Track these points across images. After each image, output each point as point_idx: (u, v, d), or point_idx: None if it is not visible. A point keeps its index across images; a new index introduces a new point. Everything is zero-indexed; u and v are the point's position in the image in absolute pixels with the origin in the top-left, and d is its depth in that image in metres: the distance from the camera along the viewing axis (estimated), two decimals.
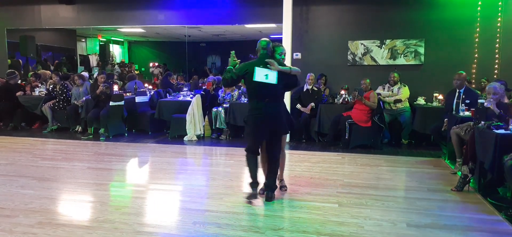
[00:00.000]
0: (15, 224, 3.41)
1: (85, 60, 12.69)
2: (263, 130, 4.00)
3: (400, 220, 3.59)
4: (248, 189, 4.11)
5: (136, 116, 8.30)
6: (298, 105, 7.46)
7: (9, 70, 9.10)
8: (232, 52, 4.12)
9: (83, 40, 13.11)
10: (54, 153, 6.49)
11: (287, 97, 7.18)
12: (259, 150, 4.11)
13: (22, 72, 10.44)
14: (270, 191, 4.10)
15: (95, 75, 9.72)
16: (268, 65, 3.93)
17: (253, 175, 4.05)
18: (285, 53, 4.23)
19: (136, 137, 7.87)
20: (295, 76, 4.12)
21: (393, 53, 7.93)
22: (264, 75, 3.92)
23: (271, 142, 4.07)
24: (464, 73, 5.98)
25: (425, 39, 7.78)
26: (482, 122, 4.40)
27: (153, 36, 13.92)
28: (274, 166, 4.10)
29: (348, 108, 7.04)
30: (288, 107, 7.04)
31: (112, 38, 14.21)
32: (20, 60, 10.81)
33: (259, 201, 4.12)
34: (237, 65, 4.07)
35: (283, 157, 4.35)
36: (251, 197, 4.05)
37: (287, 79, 4.05)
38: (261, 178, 4.18)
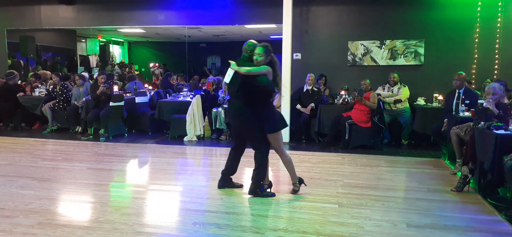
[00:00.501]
0: (15, 225, 3.41)
1: (85, 61, 12.69)
2: (231, 125, 4.42)
3: (400, 220, 3.59)
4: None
5: (136, 116, 8.30)
6: (298, 106, 7.46)
7: (8, 71, 9.11)
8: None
9: (83, 40, 13.12)
10: (54, 153, 6.49)
11: (287, 97, 7.20)
12: (240, 146, 4.35)
13: (22, 72, 10.44)
14: (251, 187, 4.22)
15: (95, 76, 9.73)
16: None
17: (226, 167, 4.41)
18: (261, 54, 4.03)
19: (136, 137, 7.87)
20: (254, 76, 3.98)
21: (393, 53, 7.93)
22: (227, 75, 4.15)
23: (245, 138, 4.29)
24: (464, 74, 5.98)
25: (425, 40, 7.78)
26: (482, 122, 4.40)
27: (153, 36, 13.92)
28: (254, 160, 4.18)
29: (348, 108, 7.04)
30: (287, 107, 7.08)
31: (112, 39, 14.21)
32: (21, 61, 10.80)
33: (259, 202, 4.12)
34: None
35: (286, 160, 4.27)
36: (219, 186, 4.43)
37: (246, 80, 3.99)
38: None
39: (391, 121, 7.29)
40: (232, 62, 4.08)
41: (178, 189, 4.66)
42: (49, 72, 10.00)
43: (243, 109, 4.07)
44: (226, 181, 4.44)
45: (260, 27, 10.15)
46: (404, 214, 3.75)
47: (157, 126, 8.30)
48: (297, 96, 7.52)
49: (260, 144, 4.14)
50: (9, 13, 9.90)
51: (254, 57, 4.08)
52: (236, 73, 4.03)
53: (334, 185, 4.68)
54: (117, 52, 14.80)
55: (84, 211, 3.87)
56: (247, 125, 4.12)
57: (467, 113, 5.44)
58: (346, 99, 7.41)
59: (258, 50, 4.07)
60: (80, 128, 8.20)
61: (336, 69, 8.09)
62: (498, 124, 4.17)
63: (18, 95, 8.58)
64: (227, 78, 4.11)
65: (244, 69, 4.00)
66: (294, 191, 4.31)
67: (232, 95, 4.28)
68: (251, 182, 4.21)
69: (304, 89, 7.51)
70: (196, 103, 7.48)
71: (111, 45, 14.11)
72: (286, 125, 4.33)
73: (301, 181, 4.32)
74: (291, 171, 4.32)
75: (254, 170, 4.19)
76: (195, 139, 7.46)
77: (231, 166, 4.40)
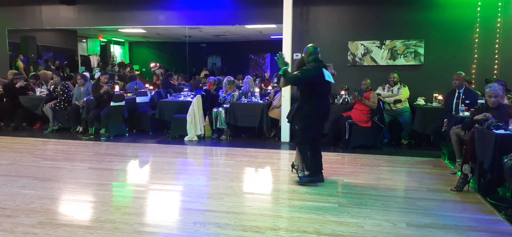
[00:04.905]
0: (16, 224, 3.43)
1: (86, 61, 12.72)
2: (323, 122, 4.81)
3: (400, 220, 3.60)
4: (246, 189, 4.11)
5: (137, 116, 8.32)
6: None
7: (15, 71, 9.19)
8: (281, 53, 4.63)
9: (84, 40, 13.15)
10: (55, 153, 6.51)
11: (287, 97, 7.22)
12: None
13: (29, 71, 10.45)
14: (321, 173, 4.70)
15: (96, 76, 9.75)
16: (327, 68, 4.64)
17: (308, 164, 4.70)
18: None
19: (137, 137, 7.88)
20: None
21: (393, 53, 7.94)
22: (328, 75, 4.59)
23: (320, 130, 4.86)
24: (463, 74, 5.99)
25: (425, 40, 7.78)
26: (489, 117, 4.39)
27: (154, 36, 13.96)
28: (319, 152, 4.78)
29: (348, 108, 7.06)
30: (287, 107, 7.10)
31: (113, 39, 14.24)
32: (22, 64, 10.77)
33: (259, 201, 4.14)
34: (288, 66, 4.70)
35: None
36: (315, 182, 4.64)
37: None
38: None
39: (391, 120, 7.30)
40: (330, 64, 4.69)
41: (179, 188, 4.67)
42: (50, 73, 10.02)
43: None
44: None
45: (260, 27, 10.17)
46: (404, 214, 3.76)
47: (158, 125, 8.32)
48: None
49: None
50: (10, 13, 9.93)
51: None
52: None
53: (334, 184, 4.70)
54: (118, 52, 14.83)
55: (85, 211, 3.88)
56: None
57: (467, 113, 5.45)
58: (346, 99, 7.42)
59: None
60: (81, 128, 8.22)
61: (336, 69, 8.03)
62: (498, 123, 4.18)
63: (17, 85, 8.64)
64: (332, 78, 4.66)
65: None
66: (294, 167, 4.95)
67: (328, 93, 4.83)
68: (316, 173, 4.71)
69: None
70: (196, 103, 7.50)
71: (112, 45, 14.14)
72: None
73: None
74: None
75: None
76: (195, 138, 7.47)
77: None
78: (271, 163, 5.82)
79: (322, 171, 4.73)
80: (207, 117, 7.87)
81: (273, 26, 8.97)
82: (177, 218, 3.71)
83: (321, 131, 4.96)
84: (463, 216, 3.74)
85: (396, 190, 4.61)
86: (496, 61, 7.47)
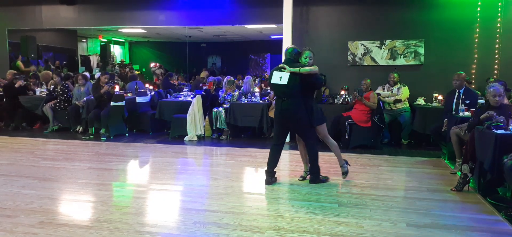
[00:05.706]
0: (16, 224, 3.43)
1: (86, 61, 12.72)
2: (281, 124, 4.66)
3: (400, 220, 3.60)
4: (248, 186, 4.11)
5: (137, 116, 8.32)
6: None
7: (15, 71, 9.20)
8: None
9: (84, 40, 13.15)
10: (55, 153, 6.51)
11: None
12: (282, 142, 4.72)
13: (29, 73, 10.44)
14: (312, 175, 4.70)
15: (96, 76, 9.75)
16: (282, 69, 4.44)
17: (269, 163, 4.64)
18: (311, 57, 4.60)
19: (137, 137, 7.88)
20: (313, 75, 4.46)
21: (393, 53, 7.94)
22: (279, 77, 4.44)
23: (298, 134, 4.75)
24: (463, 74, 5.99)
25: (425, 40, 7.78)
26: (490, 117, 4.39)
27: (154, 36, 13.96)
28: (309, 153, 4.66)
29: (348, 108, 7.06)
30: None
31: (113, 39, 14.24)
32: (22, 64, 10.77)
33: (259, 201, 4.14)
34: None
35: (332, 145, 4.79)
36: (267, 183, 4.62)
37: (303, 79, 4.42)
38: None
39: (391, 120, 7.30)
40: (286, 66, 4.41)
41: (179, 188, 4.67)
42: (50, 73, 10.02)
43: (299, 108, 4.46)
44: (273, 176, 4.71)
45: (260, 27, 10.17)
46: (404, 214, 3.76)
47: (158, 125, 8.32)
48: None
49: (313, 138, 4.65)
50: (10, 13, 9.93)
51: (305, 60, 4.58)
52: (292, 74, 4.37)
53: (334, 184, 4.70)
54: (117, 52, 14.83)
55: (85, 211, 3.88)
56: (303, 123, 4.52)
57: (467, 113, 5.45)
58: (346, 99, 7.42)
59: (307, 54, 4.61)
60: (81, 128, 8.22)
61: (336, 69, 8.10)
62: (498, 123, 4.18)
63: (17, 85, 8.66)
64: (285, 80, 4.40)
65: (307, 70, 4.40)
66: (344, 173, 4.79)
67: (284, 96, 4.49)
68: (310, 174, 4.72)
69: None
70: (196, 103, 7.50)
71: (112, 45, 14.14)
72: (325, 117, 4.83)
73: (347, 162, 4.85)
74: (337, 154, 4.82)
75: (312, 162, 4.65)
76: (195, 138, 7.47)
77: (276, 162, 4.69)
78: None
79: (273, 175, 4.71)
80: (207, 117, 7.88)
81: (273, 26, 8.97)
82: (177, 218, 3.71)
83: (300, 135, 4.75)
84: (463, 216, 3.74)
85: (396, 190, 4.61)
86: (496, 61, 7.47)
